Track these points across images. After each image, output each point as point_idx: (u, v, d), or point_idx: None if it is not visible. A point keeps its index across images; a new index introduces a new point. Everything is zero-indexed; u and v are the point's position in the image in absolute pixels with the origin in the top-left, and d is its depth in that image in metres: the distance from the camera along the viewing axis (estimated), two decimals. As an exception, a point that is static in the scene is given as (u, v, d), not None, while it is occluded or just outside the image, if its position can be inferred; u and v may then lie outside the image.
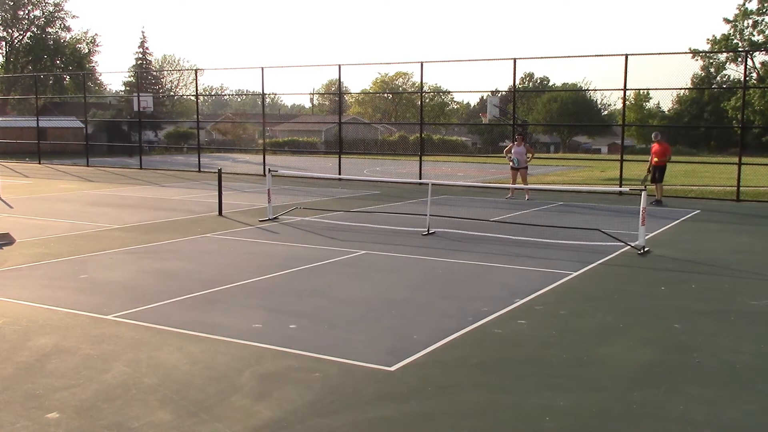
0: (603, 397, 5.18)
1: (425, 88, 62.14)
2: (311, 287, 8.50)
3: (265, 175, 19.99)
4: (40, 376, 5.48)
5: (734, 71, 58.56)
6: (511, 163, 19.07)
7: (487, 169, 34.14)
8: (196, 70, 31.87)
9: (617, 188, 20.04)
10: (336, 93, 46.68)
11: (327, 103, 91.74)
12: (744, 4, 55.76)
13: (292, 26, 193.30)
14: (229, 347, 6.19)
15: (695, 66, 58.73)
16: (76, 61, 64.42)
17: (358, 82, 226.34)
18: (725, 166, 25.93)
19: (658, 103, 68.23)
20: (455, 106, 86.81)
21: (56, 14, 65.05)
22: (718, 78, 60.36)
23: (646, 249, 10.98)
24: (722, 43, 56.97)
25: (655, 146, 18.04)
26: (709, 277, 9.39)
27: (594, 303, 7.94)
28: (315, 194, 19.85)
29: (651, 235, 12.36)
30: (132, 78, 56.08)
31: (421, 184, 19.46)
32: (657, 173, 17.90)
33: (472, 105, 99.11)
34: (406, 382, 5.42)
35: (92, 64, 67.82)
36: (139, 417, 4.71)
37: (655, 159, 17.82)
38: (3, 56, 65.16)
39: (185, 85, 70.74)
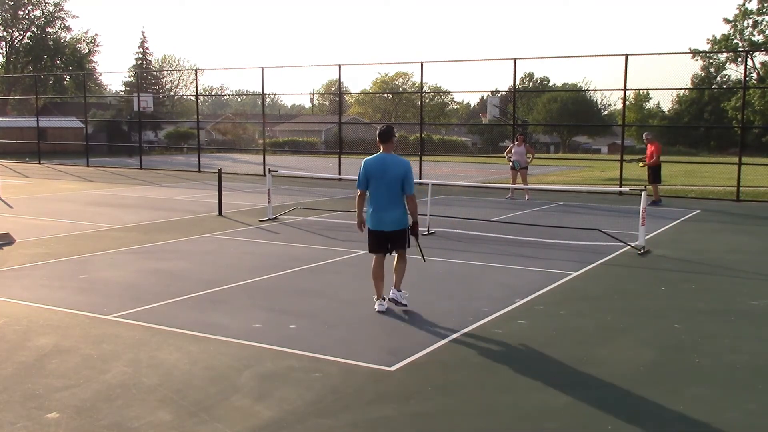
0: (603, 397, 5.18)
1: (425, 88, 62.09)
2: (311, 287, 8.50)
3: (265, 175, 19.97)
4: (40, 376, 5.47)
5: (734, 71, 58.64)
6: (511, 164, 19.07)
7: (487, 169, 34.12)
8: (196, 70, 31.91)
9: (617, 188, 20.04)
10: (336, 93, 46.64)
11: (327, 103, 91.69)
12: (744, 4, 55.84)
13: (292, 26, 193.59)
14: (229, 347, 6.18)
15: (695, 66, 58.79)
16: (76, 61, 64.50)
17: (358, 82, 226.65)
18: (725, 166, 25.92)
19: (658, 103, 68.35)
20: (455, 106, 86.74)
21: (56, 14, 65.20)
22: (718, 78, 60.37)
23: (646, 249, 10.98)
24: (722, 43, 57.03)
25: (648, 147, 18.09)
26: (709, 277, 9.38)
27: (594, 303, 7.94)
28: (315, 194, 19.84)
29: (651, 235, 12.36)
30: (132, 78, 56.10)
31: (421, 184, 19.41)
32: (651, 173, 17.89)
33: (472, 105, 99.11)
34: (406, 382, 5.42)
35: (92, 64, 67.92)
36: (139, 417, 4.71)
37: (648, 159, 17.88)
38: (3, 56, 65.23)
39: (185, 85, 70.70)
